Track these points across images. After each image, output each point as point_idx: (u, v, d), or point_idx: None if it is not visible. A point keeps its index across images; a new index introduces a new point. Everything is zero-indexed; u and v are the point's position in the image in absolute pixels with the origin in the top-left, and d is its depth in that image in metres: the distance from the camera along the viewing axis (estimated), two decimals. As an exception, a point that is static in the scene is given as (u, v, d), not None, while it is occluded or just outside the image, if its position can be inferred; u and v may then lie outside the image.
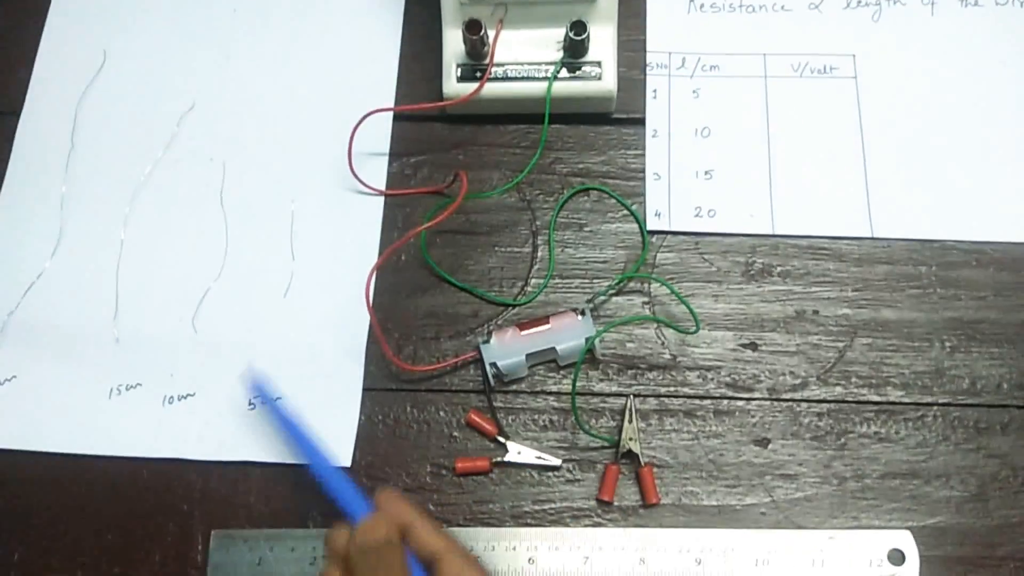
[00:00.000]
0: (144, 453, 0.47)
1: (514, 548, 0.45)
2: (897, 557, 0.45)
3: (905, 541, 0.45)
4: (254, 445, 0.47)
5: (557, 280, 0.51)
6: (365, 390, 0.48)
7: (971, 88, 0.53)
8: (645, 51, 0.55)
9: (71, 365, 0.49)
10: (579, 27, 0.49)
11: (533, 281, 0.51)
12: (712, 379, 0.48)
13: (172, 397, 0.48)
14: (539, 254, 0.51)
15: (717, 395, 0.48)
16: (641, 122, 0.54)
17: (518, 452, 0.47)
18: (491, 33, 0.51)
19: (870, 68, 0.54)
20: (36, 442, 0.48)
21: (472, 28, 0.49)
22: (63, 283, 0.50)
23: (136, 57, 0.56)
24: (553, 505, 0.46)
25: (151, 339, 0.49)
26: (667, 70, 0.54)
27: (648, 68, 0.54)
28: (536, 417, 0.48)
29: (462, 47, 0.51)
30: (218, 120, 0.54)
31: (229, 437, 0.47)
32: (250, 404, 0.48)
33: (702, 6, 0.56)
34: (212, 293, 0.50)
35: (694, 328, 0.48)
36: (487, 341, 0.48)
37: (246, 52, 0.55)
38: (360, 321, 0.49)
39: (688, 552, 0.45)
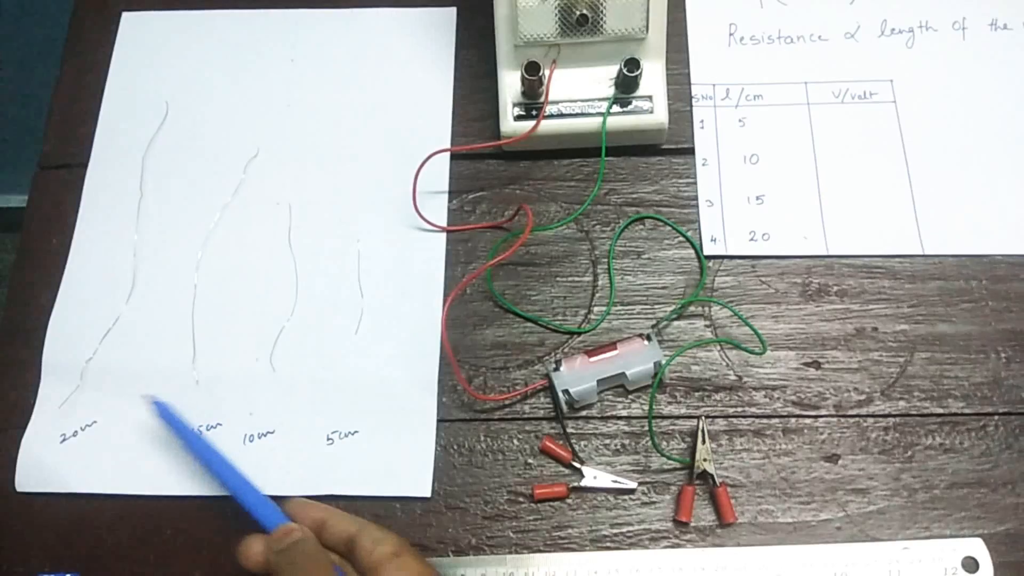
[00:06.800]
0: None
1: (595, 572, 0.46)
2: (971, 564, 0.46)
3: (978, 548, 0.46)
4: (334, 478, 0.48)
5: (619, 307, 0.52)
6: (439, 421, 0.49)
7: (1005, 107, 0.56)
8: (690, 84, 0.57)
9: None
10: (632, 64, 0.51)
11: (596, 309, 0.52)
12: (778, 398, 0.49)
13: (252, 435, 0.49)
14: (600, 282, 0.53)
15: (784, 414, 0.49)
16: (690, 151, 0.56)
17: (594, 477, 0.48)
18: (546, 73, 0.53)
19: (908, 92, 0.56)
20: (119, 485, 0.48)
21: (531, 70, 0.51)
22: (139, 329, 0.52)
23: (198, 108, 0.57)
24: (631, 528, 0.47)
25: (229, 380, 0.50)
26: (712, 101, 0.57)
27: (694, 100, 0.57)
28: (608, 442, 0.49)
29: (518, 87, 0.53)
30: (283, 165, 0.55)
31: (310, 471, 0.48)
32: (328, 439, 0.49)
33: (741, 39, 0.58)
34: (286, 332, 0.51)
35: (760, 349, 0.49)
36: (557, 369, 0.49)
37: (306, 99, 0.57)
38: (431, 354, 0.51)
39: (768, 569, 0.45)
